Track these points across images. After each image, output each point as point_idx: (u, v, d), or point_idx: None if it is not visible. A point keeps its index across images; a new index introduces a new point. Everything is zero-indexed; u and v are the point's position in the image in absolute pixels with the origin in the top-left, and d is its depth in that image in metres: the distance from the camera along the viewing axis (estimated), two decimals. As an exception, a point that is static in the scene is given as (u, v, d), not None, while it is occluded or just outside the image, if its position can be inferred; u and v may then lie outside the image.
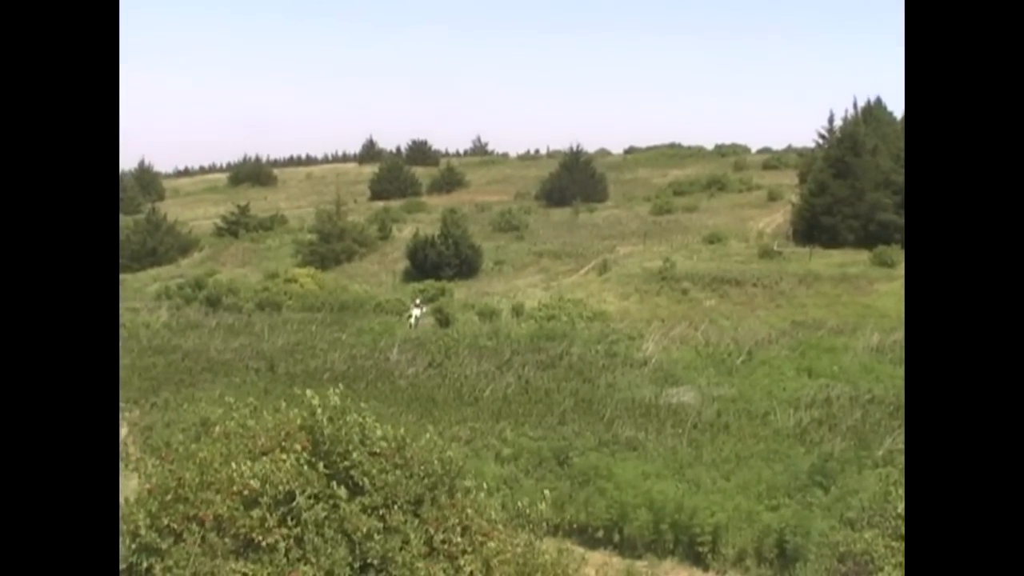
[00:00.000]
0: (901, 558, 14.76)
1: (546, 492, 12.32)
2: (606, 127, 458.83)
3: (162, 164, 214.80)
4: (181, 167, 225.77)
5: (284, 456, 10.41)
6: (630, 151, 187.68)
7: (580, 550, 21.38)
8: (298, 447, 10.55)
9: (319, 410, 10.80)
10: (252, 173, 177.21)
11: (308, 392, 11.19)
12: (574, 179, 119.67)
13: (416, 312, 60.22)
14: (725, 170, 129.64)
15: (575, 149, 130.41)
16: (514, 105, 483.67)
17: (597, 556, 22.19)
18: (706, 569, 21.90)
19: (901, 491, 16.09)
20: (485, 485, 11.82)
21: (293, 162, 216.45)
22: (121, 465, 16.79)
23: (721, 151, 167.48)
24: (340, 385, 11.41)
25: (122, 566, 9.64)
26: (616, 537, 23.06)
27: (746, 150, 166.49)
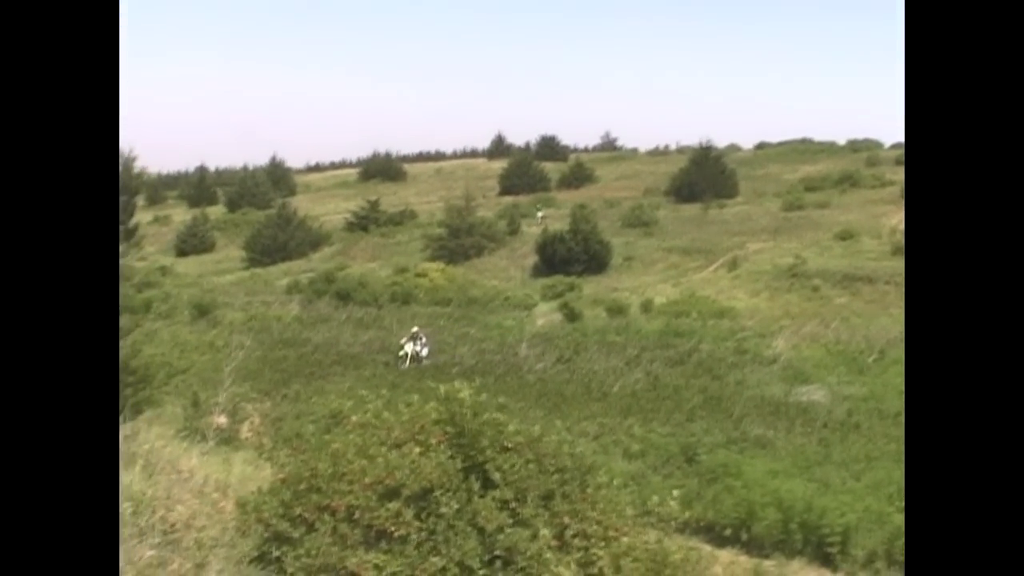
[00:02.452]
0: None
1: (675, 492, 12.25)
2: (737, 122, 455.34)
3: (293, 160, 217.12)
4: (312, 163, 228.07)
5: (419, 449, 10.51)
6: (761, 146, 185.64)
7: (707, 548, 21.30)
8: (434, 440, 10.65)
9: (458, 404, 10.88)
10: (382, 168, 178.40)
11: (450, 386, 11.27)
12: (704, 175, 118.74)
13: (409, 347, 46.63)
14: (857, 166, 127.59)
15: (705, 145, 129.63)
16: (644, 100, 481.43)
17: (724, 555, 22.05)
18: (835, 570, 21.65)
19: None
20: (614, 481, 11.82)
21: (423, 157, 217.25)
22: (254, 455, 17.09)
23: (853, 146, 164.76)
24: (476, 380, 11.48)
25: (253, 554, 9.81)
26: (744, 536, 22.88)
27: (879, 145, 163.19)
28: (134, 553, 7.80)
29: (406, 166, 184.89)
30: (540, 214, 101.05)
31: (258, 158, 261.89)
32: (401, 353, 46.33)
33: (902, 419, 30.83)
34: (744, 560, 21.81)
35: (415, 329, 48.91)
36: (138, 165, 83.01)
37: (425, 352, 46.98)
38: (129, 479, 9.05)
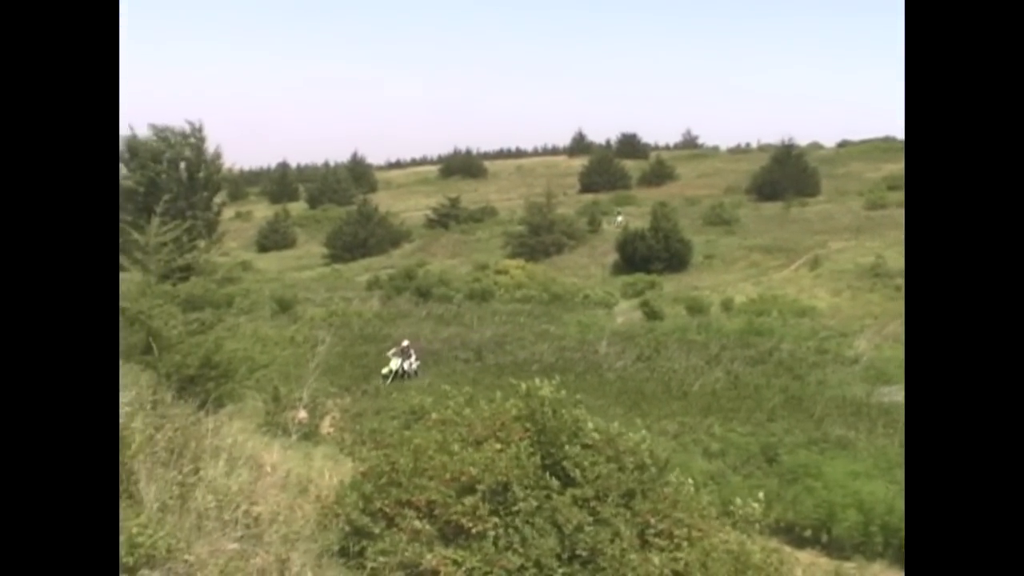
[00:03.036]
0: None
1: (760, 494, 12.16)
2: (819, 120, 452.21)
3: (374, 157, 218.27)
4: (393, 159, 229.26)
5: (499, 445, 10.52)
6: (843, 144, 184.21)
7: (787, 549, 21.18)
8: (514, 437, 10.65)
9: (539, 401, 10.88)
10: (463, 165, 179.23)
11: (530, 383, 11.27)
12: (785, 173, 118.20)
13: (395, 363, 42.13)
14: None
15: (787, 143, 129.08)
16: (725, 98, 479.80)
17: (804, 556, 21.91)
18: (917, 574, 21.43)
19: None
20: (692, 480, 11.77)
21: (503, 154, 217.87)
22: (334, 449, 17.19)
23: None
24: (556, 377, 11.46)
25: (334, 549, 9.87)
26: (824, 537, 22.73)
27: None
28: (218, 546, 7.88)
29: (486, 163, 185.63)
30: (619, 218, 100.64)
31: (339, 155, 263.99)
32: (385, 370, 41.47)
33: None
34: (824, 562, 21.67)
35: (405, 343, 43.50)
36: (222, 162, 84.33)
37: (415, 368, 42.32)
38: (213, 473, 9.14)
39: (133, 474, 7.93)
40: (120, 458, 7.71)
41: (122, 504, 7.56)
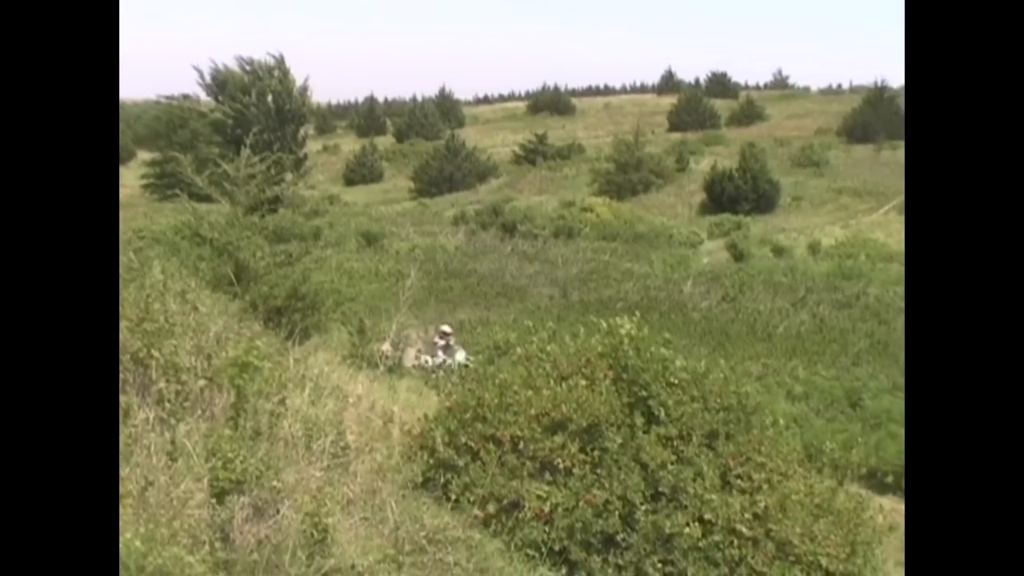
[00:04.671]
0: None
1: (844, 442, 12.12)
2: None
3: (462, 92, 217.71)
4: (481, 95, 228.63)
5: (584, 382, 10.54)
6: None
7: (868, 494, 21.09)
8: (599, 374, 10.66)
9: (625, 339, 10.87)
10: (551, 102, 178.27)
11: (615, 320, 11.26)
12: (878, 115, 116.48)
13: (423, 357, 28.28)
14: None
15: (879, 84, 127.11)
16: (818, 38, 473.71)
17: (885, 502, 21.76)
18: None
19: None
20: (779, 422, 11.72)
21: (591, 92, 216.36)
22: (419, 383, 17.30)
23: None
24: (638, 315, 11.44)
25: (419, 480, 9.95)
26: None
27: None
28: (305, 474, 7.97)
29: (574, 100, 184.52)
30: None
31: (428, 89, 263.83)
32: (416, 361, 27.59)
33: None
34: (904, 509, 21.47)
35: (445, 328, 30.07)
36: (310, 95, 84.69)
37: (460, 359, 27.62)
38: (299, 401, 9.22)
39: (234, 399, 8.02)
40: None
41: (222, 428, 7.70)
